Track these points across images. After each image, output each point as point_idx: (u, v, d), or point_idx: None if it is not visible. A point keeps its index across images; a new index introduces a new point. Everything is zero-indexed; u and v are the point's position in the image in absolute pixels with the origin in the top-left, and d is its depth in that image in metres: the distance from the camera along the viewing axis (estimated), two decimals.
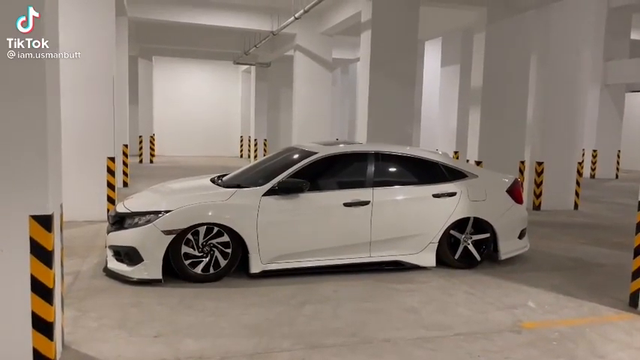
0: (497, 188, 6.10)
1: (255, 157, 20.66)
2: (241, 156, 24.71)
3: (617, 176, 17.94)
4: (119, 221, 5.19)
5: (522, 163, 10.50)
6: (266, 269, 5.20)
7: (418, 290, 5.10)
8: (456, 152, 14.90)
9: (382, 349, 3.79)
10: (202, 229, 5.00)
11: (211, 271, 5.06)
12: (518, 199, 6.14)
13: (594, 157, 17.72)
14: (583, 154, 12.38)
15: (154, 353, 3.58)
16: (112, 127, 7.98)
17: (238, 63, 19.49)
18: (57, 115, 3.42)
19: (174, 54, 21.03)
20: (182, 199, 5.17)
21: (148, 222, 4.94)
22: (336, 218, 5.43)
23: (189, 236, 4.98)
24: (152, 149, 19.76)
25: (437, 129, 16.54)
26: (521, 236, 6.17)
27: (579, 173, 10.70)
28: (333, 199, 5.45)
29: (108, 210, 7.51)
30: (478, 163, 10.05)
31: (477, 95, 10.26)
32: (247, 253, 5.14)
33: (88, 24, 7.67)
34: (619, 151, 18.06)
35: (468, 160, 10.45)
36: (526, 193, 10.12)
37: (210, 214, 5.03)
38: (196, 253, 5.01)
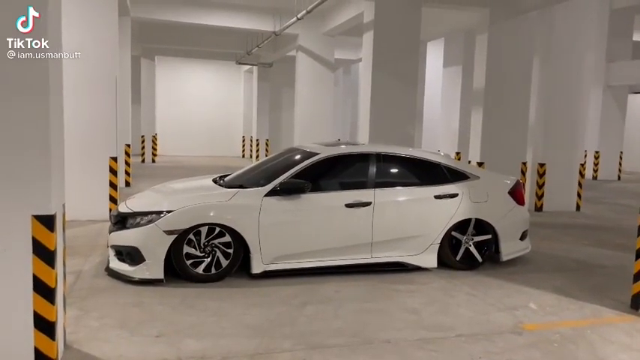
0: (499, 190, 6.09)
1: (257, 157, 20.67)
2: (243, 156, 24.73)
3: (619, 177, 17.91)
4: (121, 221, 5.21)
5: (524, 164, 10.49)
6: (267, 269, 5.21)
7: (419, 291, 5.11)
8: (458, 153, 14.88)
9: (383, 349, 3.79)
10: (204, 229, 5.01)
11: (213, 271, 5.07)
12: (520, 201, 6.14)
13: (596, 158, 17.69)
14: (585, 156, 12.38)
15: (155, 353, 3.59)
16: (114, 127, 8.00)
17: (241, 63, 19.51)
18: (60, 115, 3.43)
19: (177, 54, 21.07)
20: (184, 200, 5.18)
21: (150, 222, 4.95)
22: (338, 219, 5.43)
23: (191, 236, 4.99)
24: (154, 149, 19.79)
25: (439, 129, 16.52)
26: (522, 238, 6.17)
27: (581, 174, 10.69)
28: (335, 199, 5.45)
29: (110, 209, 7.52)
30: (480, 164, 10.04)
31: (479, 96, 10.25)
32: (249, 254, 5.15)
33: (90, 24, 7.70)
34: (621, 152, 18.03)
35: (469, 161, 10.45)
36: (528, 195, 10.10)
37: (212, 214, 5.04)
38: (198, 253, 5.02)
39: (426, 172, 5.92)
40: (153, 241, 4.90)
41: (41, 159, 3.08)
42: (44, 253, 3.11)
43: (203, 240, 5.02)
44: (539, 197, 10.36)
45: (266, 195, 5.21)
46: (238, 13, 14.25)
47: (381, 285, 5.23)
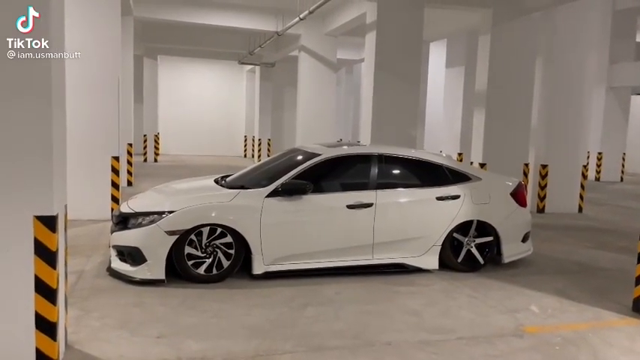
0: (501, 191, 6.09)
1: (259, 156, 20.68)
2: (245, 156, 24.74)
3: (621, 179, 17.87)
4: (123, 221, 5.21)
5: (526, 165, 10.48)
6: (268, 270, 5.21)
7: (421, 293, 5.10)
8: (460, 154, 14.88)
9: (384, 352, 3.79)
10: (206, 230, 5.01)
11: (214, 271, 5.07)
12: (522, 203, 6.13)
13: (599, 159, 17.66)
14: (588, 157, 12.35)
15: (156, 354, 3.60)
16: (116, 127, 8.01)
17: (243, 63, 19.53)
18: (62, 116, 3.43)
19: (180, 53, 21.09)
20: (186, 200, 5.18)
21: (152, 222, 4.95)
22: (339, 220, 5.43)
23: (193, 237, 4.99)
24: (156, 148, 19.81)
25: (441, 130, 16.53)
26: (524, 239, 6.16)
27: (584, 176, 10.67)
28: (336, 201, 5.45)
29: (112, 209, 7.54)
30: (482, 165, 10.03)
31: (482, 97, 10.24)
32: (250, 254, 5.15)
33: (93, 24, 7.70)
34: (624, 153, 18.00)
35: (472, 162, 10.44)
36: (530, 196, 10.09)
37: (213, 214, 5.04)
38: (199, 253, 5.02)
39: (427, 174, 5.92)
40: (154, 242, 4.90)
41: (43, 160, 3.08)
42: (46, 254, 3.11)
43: (204, 240, 5.03)
44: (542, 199, 10.34)
45: (267, 196, 5.21)
46: (241, 13, 14.27)
47: (382, 286, 5.23)
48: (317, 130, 14.15)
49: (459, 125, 15.14)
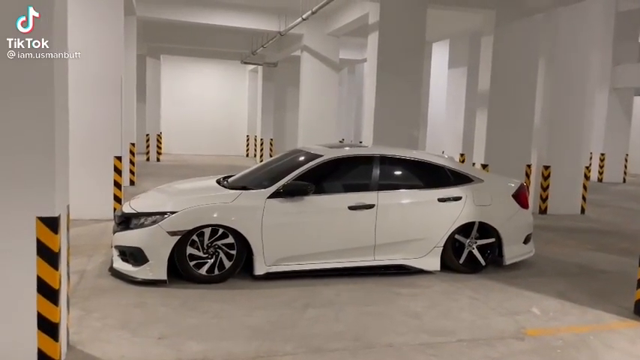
0: (502, 193, 6.08)
1: (262, 156, 20.69)
2: (247, 155, 24.75)
3: (624, 180, 17.84)
4: (125, 221, 5.23)
5: (529, 166, 10.47)
6: (270, 271, 5.22)
7: (422, 294, 5.10)
8: (462, 154, 14.87)
9: (384, 354, 3.79)
10: (207, 231, 5.02)
11: (216, 272, 5.08)
12: (524, 204, 6.13)
13: (602, 160, 17.62)
14: (590, 158, 12.32)
15: (157, 355, 3.61)
16: (119, 127, 8.03)
17: (246, 62, 19.53)
18: (65, 116, 3.44)
19: (182, 53, 21.09)
20: (188, 201, 5.19)
21: (154, 223, 4.97)
22: (341, 221, 5.44)
23: (195, 237, 5.00)
24: (159, 147, 19.83)
25: (443, 131, 16.51)
26: (526, 241, 6.15)
27: (586, 177, 10.65)
28: (338, 202, 5.46)
29: (114, 209, 7.56)
30: (484, 166, 10.02)
31: (484, 98, 10.23)
32: (252, 255, 5.16)
33: (96, 24, 7.72)
34: (627, 154, 17.96)
35: (474, 163, 10.42)
36: (532, 197, 10.09)
37: (215, 215, 5.05)
38: (201, 254, 5.03)
39: (429, 175, 5.92)
40: (156, 242, 4.92)
41: (46, 160, 3.09)
42: (48, 255, 3.12)
43: (206, 241, 5.04)
44: (544, 200, 10.33)
45: (269, 197, 5.22)
46: (243, 13, 14.27)
47: (384, 288, 5.23)
48: (319, 130, 14.14)
49: (462, 126, 15.12)
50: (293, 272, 5.31)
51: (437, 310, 4.69)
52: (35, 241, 3.09)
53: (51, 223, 3.10)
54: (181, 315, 4.31)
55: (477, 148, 10.47)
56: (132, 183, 11.80)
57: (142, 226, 5.03)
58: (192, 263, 5.01)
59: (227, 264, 5.11)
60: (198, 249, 5.02)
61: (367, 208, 5.45)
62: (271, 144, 20.66)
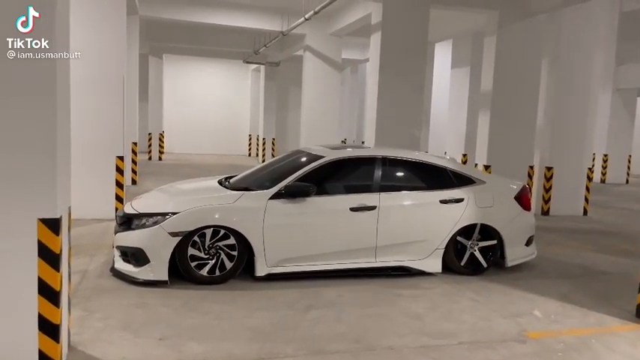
0: (505, 195, 6.06)
1: (264, 156, 20.69)
2: (249, 155, 24.77)
3: (627, 181, 17.80)
4: (126, 222, 5.23)
5: (531, 167, 10.44)
6: (271, 272, 5.22)
7: (423, 296, 5.10)
8: (464, 155, 14.84)
9: (385, 356, 3.79)
10: (209, 232, 5.02)
11: (217, 273, 5.08)
12: (526, 206, 6.11)
13: (605, 161, 17.58)
14: (593, 159, 12.30)
15: (157, 356, 3.61)
16: (121, 127, 8.03)
17: (248, 62, 19.53)
18: (67, 116, 3.44)
19: (185, 52, 21.11)
20: (189, 201, 5.19)
21: (155, 223, 4.97)
22: (343, 223, 5.43)
23: (196, 238, 5.00)
24: (161, 146, 19.86)
25: (446, 131, 16.48)
26: (528, 243, 6.14)
27: (589, 178, 10.62)
28: (340, 203, 5.45)
29: (116, 208, 7.56)
30: (487, 167, 10.00)
31: (487, 98, 10.21)
32: (253, 256, 5.16)
33: (99, 23, 7.72)
34: (630, 155, 17.92)
35: (476, 164, 10.41)
36: (535, 198, 10.07)
37: (216, 216, 5.05)
38: (202, 255, 5.03)
39: (431, 177, 5.91)
40: (158, 243, 4.92)
41: (47, 162, 3.09)
42: (49, 256, 3.12)
43: (208, 242, 5.03)
44: (546, 201, 10.31)
45: (271, 198, 5.21)
46: (246, 13, 14.28)
47: (385, 289, 5.22)
48: (321, 129, 14.14)
49: (464, 126, 15.09)
50: (294, 273, 5.31)
51: (438, 312, 4.68)
52: (36, 243, 3.09)
53: (52, 225, 3.10)
54: (182, 316, 4.31)
55: (479, 149, 10.45)
56: (134, 182, 11.82)
57: (144, 226, 5.03)
58: (193, 264, 5.01)
59: (228, 265, 5.10)
60: (199, 250, 5.02)
61: (369, 210, 5.44)
62: (273, 143, 20.66)
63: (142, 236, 4.98)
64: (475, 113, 12.49)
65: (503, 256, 5.94)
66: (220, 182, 5.94)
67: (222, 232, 5.05)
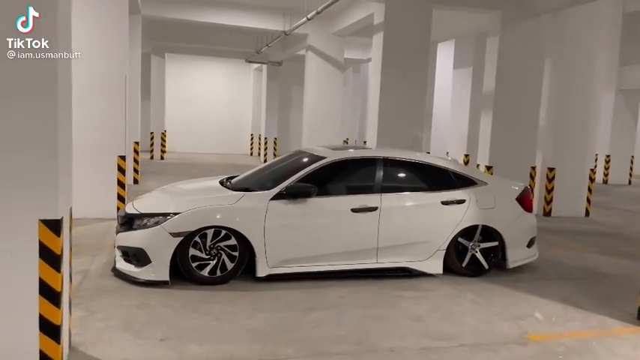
0: (506, 196, 6.05)
1: (265, 155, 20.69)
2: (251, 154, 24.77)
3: (630, 182, 17.75)
4: (128, 222, 5.23)
5: (533, 168, 10.42)
6: (272, 273, 5.21)
7: (424, 298, 5.09)
8: (466, 155, 14.82)
9: (386, 358, 3.78)
10: (210, 232, 5.02)
11: (218, 273, 5.08)
12: (528, 208, 6.10)
13: (607, 162, 17.54)
14: (596, 159, 12.26)
15: (158, 357, 3.61)
16: (123, 126, 8.04)
17: (250, 61, 19.53)
18: (68, 117, 3.44)
19: (187, 51, 21.11)
20: (190, 202, 5.19)
21: (157, 224, 4.97)
22: (344, 224, 5.42)
23: (197, 239, 5.00)
24: (163, 146, 19.87)
25: (448, 131, 16.45)
26: (530, 245, 6.13)
27: (591, 179, 10.59)
28: (341, 204, 5.44)
29: (118, 208, 7.57)
30: (489, 167, 9.98)
31: (489, 99, 10.19)
32: (254, 257, 5.15)
33: (101, 22, 7.73)
34: (632, 156, 17.87)
35: (478, 165, 10.39)
36: (537, 199, 10.04)
37: (218, 217, 5.05)
38: (204, 255, 5.03)
39: (433, 178, 5.90)
40: (159, 243, 4.92)
41: (49, 162, 3.09)
42: (50, 257, 3.12)
43: (209, 242, 5.03)
44: (548, 202, 10.29)
45: (272, 198, 5.21)
46: (248, 13, 14.27)
47: (386, 291, 5.22)
48: (323, 129, 14.13)
49: (466, 127, 15.06)
50: (295, 274, 5.31)
51: (439, 314, 4.68)
52: (37, 244, 3.09)
53: (53, 226, 3.09)
54: (183, 317, 4.32)
55: (481, 150, 10.43)
56: (136, 181, 11.82)
57: (145, 226, 5.03)
58: (194, 264, 5.01)
59: (229, 265, 5.10)
60: (200, 250, 5.02)
61: (370, 211, 5.44)
62: (275, 143, 20.66)
63: (143, 236, 4.98)
64: (477, 114, 12.47)
65: (504, 258, 5.93)
66: (222, 182, 5.94)
67: (224, 232, 5.04)
